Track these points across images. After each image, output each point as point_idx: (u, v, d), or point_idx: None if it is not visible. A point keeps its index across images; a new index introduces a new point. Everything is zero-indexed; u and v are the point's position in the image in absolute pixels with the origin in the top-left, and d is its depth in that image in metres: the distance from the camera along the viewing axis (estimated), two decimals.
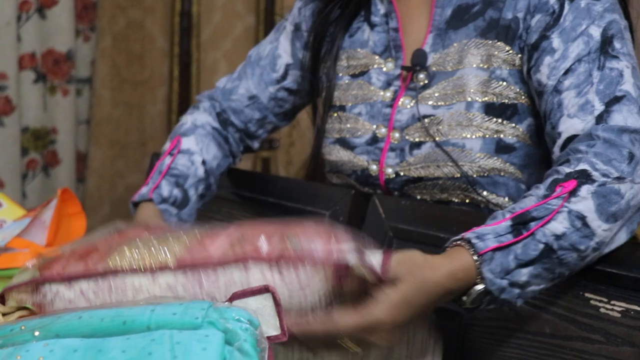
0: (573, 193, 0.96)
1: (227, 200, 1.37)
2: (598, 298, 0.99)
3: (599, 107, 1.02)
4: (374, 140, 1.20)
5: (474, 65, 1.14)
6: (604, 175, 0.97)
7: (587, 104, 1.03)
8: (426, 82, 1.17)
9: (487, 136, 1.13)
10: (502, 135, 1.13)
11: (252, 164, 2.86)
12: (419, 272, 0.91)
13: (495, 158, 1.14)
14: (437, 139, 1.14)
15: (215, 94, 1.36)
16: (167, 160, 1.29)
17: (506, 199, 1.16)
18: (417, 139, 1.17)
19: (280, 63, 1.33)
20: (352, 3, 1.24)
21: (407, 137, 1.18)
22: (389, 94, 1.20)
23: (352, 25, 1.25)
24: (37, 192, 2.37)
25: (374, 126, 1.20)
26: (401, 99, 1.19)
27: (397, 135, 1.18)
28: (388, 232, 1.17)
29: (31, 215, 1.45)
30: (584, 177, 0.97)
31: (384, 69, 1.21)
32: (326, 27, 1.26)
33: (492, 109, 1.13)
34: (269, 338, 0.83)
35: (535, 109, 1.14)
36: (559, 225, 0.95)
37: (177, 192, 1.25)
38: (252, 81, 1.33)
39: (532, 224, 0.95)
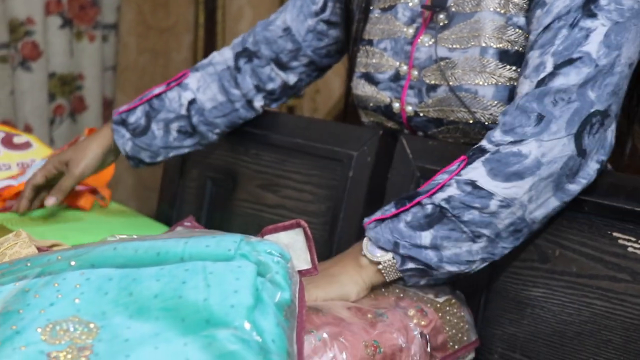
0: (464, 167, 1.01)
1: (255, 141, 1.37)
2: (626, 237, 0.99)
3: (548, 70, 1.01)
4: (397, 77, 1.20)
5: (491, 9, 1.13)
6: (497, 144, 1.00)
7: (540, 65, 1.02)
8: (446, 22, 1.16)
9: (499, 84, 1.12)
10: (515, 83, 1.12)
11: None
12: None
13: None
14: (451, 83, 1.14)
15: (257, 25, 1.38)
16: (160, 89, 1.35)
17: None
18: (433, 82, 1.16)
19: None
20: None
21: (424, 78, 1.17)
22: (411, 31, 1.20)
23: None
24: (64, 137, 2.39)
25: (397, 63, 1.20)
26: (421, 37, 1.18)
27: (415, 73, 1.18)
28: (415, 172, 1.17)
29: (59, 152, 1.47)
30: (478, 152, 1.01)
31: (410, 4, 1.21)
32: None
33: (506, 56, 1.12)
34: (300, 272, 0.85)
35: None
36: (445, 193, 1.00)
37: (142, 121, 1.33)
38: (291, 13, 1.34)
39: (417, 197, 1.02)
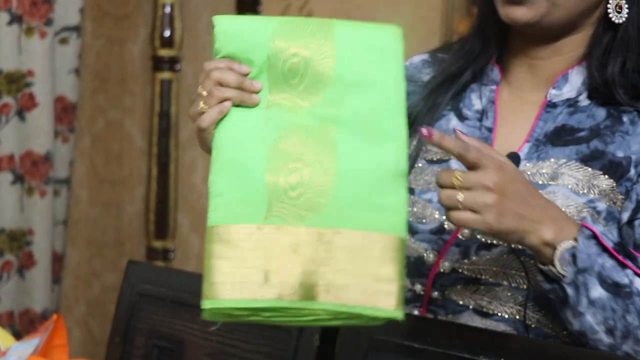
0: None
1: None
2: None
3: None
4: (440, 230, 1.18)
5: (569, 187, 1.14)
6: None
7: None
8: None
9: None
10: None
11: None
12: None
13: None
14: (513, 245, 1.11)
15: None
16: None
17: (559, 324, 1.12)
18: (488, 241, 1.15)
19: None
20: (451, 92, 1.25)
21: (478, 236, 1.15)
22: None
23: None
24: (11, 294, 2.35)
25: (443, 217, 1.17)
26: None
27: (466, 232, 1.16)
28: (363, 342, 1.16)
29: (36, 336, 1.49)
30: None
31: None
32: (434, 113, 1.25)
33: None
34: None
35: None
36: None
37: None
38: None
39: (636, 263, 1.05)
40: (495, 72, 1.24)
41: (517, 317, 1.14)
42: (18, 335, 2.15)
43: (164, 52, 2.62)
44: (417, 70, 1.31)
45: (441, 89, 1.25)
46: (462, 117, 1.24)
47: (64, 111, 2.43)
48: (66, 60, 2.41)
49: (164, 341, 1.40)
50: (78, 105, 2.49)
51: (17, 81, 2.32)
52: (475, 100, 1.25)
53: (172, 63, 2.63)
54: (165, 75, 2.62)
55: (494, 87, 1.24)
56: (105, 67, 2.68)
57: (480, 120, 1.23)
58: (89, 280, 2.69)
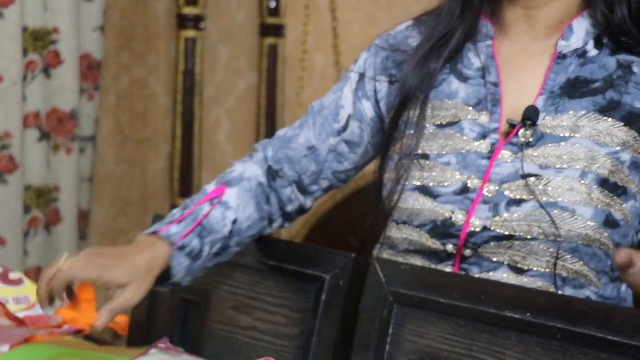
0: None
1: (227, 262, 1.37)
2: None
3: None
4: (464, 190, 1.17)
5: (592, 139, 1.14)
6: None
7: None
8: (530, 140, 1.16)
9: (599, 207, 1.12)
10: (612, 210, 1.12)
11: None
12: None
13: (602, 230, 1.13)
14: (544, 199, 1.12)
15: (274, 142, 1.32)
16: (206, 208, 1.25)
17: (593, 272, 1.15)
18: (517, 196, 1.14)
19: (342, 114, 1.28)
20: (447, 53, 1.22)
21: (505, 193, 1.15)
22: (484, 146, 1.18)
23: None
24: (38, 250, 2.37)
25: (465, 176, 1.17)
26: (501, 152, 1.17)
27: (492, 188, 1.15)
28: (388, 296, 1.16)
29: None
30: None
31: (478, 121, 1.19)
32: (431, 79, 1.22)
33: (605, 184, 1.13)
34: None
35: None
36: None
37: (195, 243, 1.24)
38: (314, 131, 1.29)
39: None
40: (488, 27, 1.23)
41: (549, 270, 1.14)
42: None
43: (189, 10, 2.62)
44: (404, 36, 1.29)
45: (432, 55, 1.23)
46: (463, 78, 1.22)
47: (89, 69, 2.44)
48: (91, 18, 2.41)
49: (190, 295, 1.41)
50: (103, 64, 2.49)
51: (42, 38, 2.32)
52: (473, 59, 1.23)
53: (196, 21, 2.62)
54: (190, 33, 2.62)
55: (489, 42, 1.23)
56: (130, 25, 2.67)
57: (483, 77, 1.22)
58: (115, 237, 2.71)
